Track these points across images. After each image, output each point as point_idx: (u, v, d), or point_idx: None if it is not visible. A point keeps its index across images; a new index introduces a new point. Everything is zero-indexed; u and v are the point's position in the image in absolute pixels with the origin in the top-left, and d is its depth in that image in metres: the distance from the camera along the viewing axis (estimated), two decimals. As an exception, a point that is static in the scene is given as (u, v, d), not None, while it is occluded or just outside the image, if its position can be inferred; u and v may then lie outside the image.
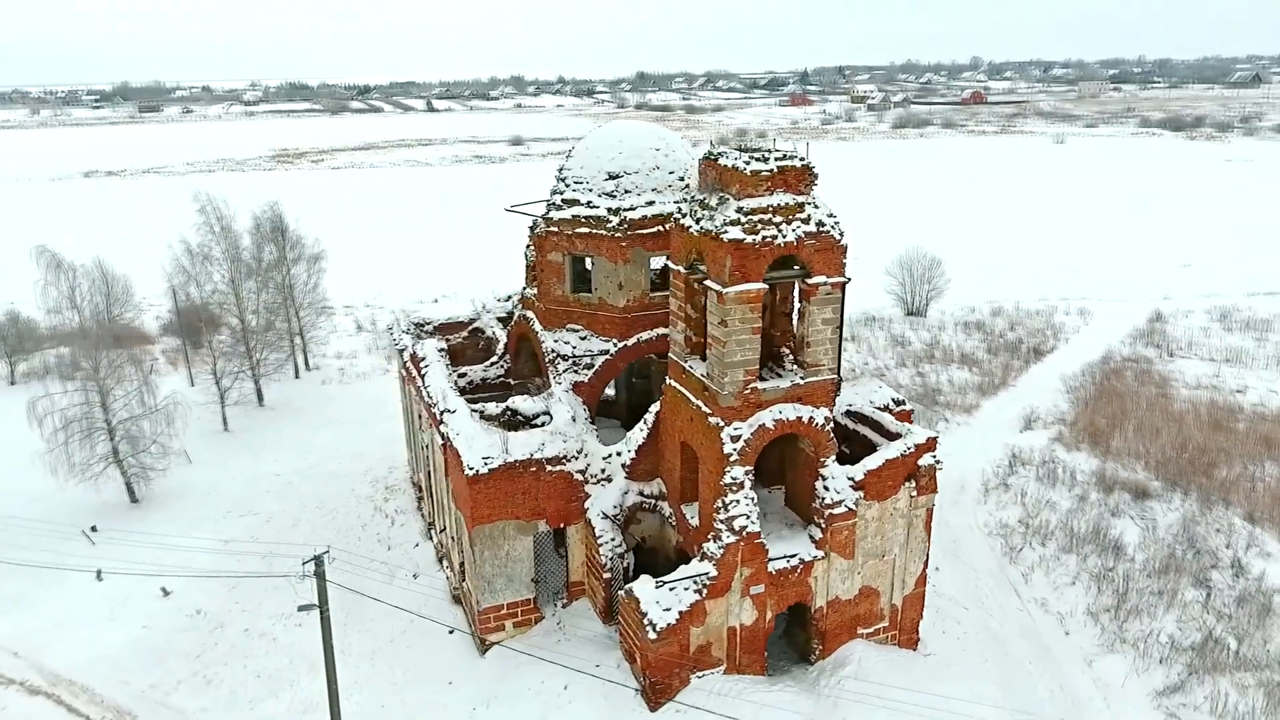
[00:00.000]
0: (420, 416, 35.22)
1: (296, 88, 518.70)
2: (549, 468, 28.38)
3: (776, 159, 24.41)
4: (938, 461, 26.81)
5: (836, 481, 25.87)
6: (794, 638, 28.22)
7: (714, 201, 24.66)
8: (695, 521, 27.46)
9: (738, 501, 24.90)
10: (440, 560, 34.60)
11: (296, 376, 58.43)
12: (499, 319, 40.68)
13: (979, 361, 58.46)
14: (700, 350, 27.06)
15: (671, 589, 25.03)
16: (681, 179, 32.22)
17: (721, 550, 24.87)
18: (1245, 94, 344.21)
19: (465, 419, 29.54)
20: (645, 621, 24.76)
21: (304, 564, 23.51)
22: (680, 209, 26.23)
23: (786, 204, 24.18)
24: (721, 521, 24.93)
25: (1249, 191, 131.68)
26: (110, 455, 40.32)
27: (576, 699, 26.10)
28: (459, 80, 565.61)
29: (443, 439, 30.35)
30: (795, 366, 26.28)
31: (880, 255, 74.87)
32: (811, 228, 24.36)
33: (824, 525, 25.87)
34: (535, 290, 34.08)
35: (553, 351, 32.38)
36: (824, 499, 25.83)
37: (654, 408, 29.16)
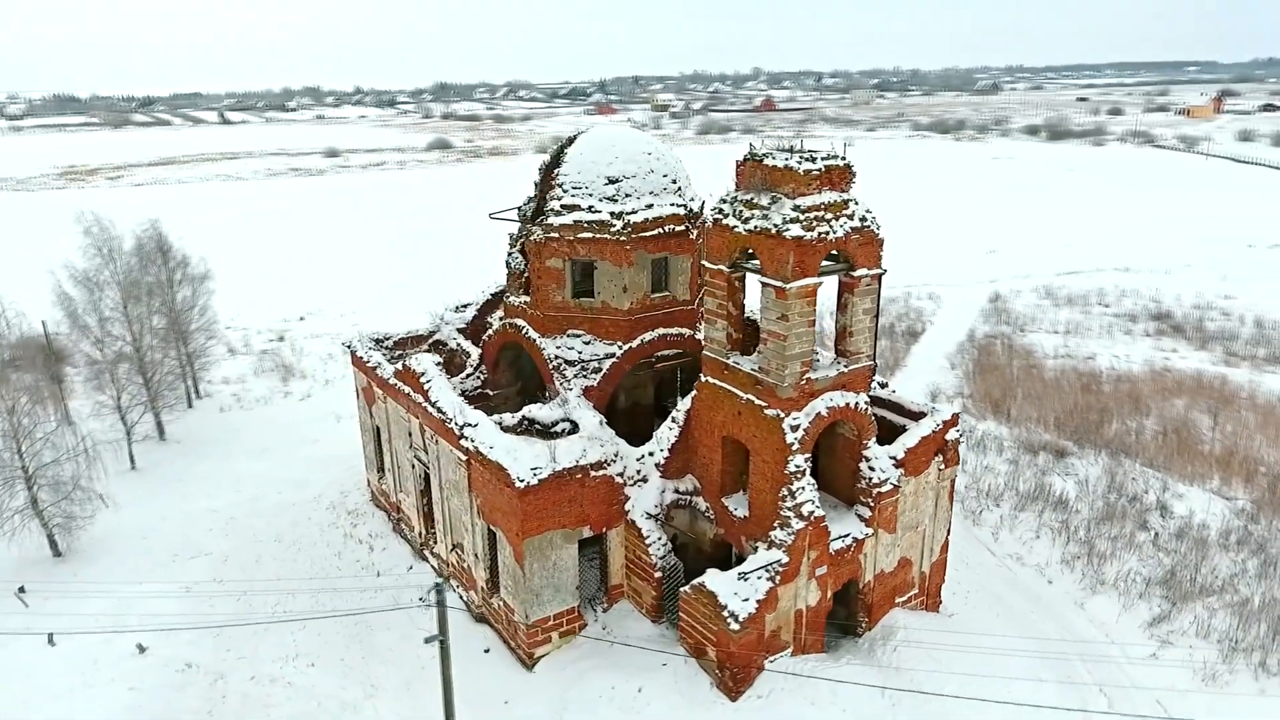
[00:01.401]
0: (411, 434, 33.11)
1: (65, 100, 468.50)
2: (592, 473, 27.54)
3: (823, 159, 24.88)
4: (960, 436, 28.25)
5: (880, 461, 26.74)
6: (833, 614, 28.80)
7: (765, 201, 24.79)
8: (741, 513, 27.51)
9: (803, 488, 25.21)
10: (447, 580, 32.69)
11: (190, 406, 53.25)
12: (459, 330, 38.94)
13: (866, 346, 61.60)
14: (738, 345, 27.16)
15: (745, 579, 24.99)
16: (674, 181, 32.17)
17: (792, 536, 25.08)
18: (990, 100, 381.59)
19: (494, 431, 28.15)
20: (725, 614, 24.60)
21: (425, 593, 21.59)
22: (720, 209, 26.15)
23: (835, 201, 24.73)
24: (789, 509, 25.14)
25: (1019, 184, 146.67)
26: (29, 505, 35.29)
27: (653, 699, 25.52)
28: (250, 91, 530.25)
29: (465, 454, 28.75)
30: (836, 355, 26.88)
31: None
32: (856, 223, 25.01)
33: (873, 504, 26.66)
34: (528, 298, 32.95)
35: (557, 358, 31.43)
36: (870, 479, 26.61)
37: (683, 405, 28.92)
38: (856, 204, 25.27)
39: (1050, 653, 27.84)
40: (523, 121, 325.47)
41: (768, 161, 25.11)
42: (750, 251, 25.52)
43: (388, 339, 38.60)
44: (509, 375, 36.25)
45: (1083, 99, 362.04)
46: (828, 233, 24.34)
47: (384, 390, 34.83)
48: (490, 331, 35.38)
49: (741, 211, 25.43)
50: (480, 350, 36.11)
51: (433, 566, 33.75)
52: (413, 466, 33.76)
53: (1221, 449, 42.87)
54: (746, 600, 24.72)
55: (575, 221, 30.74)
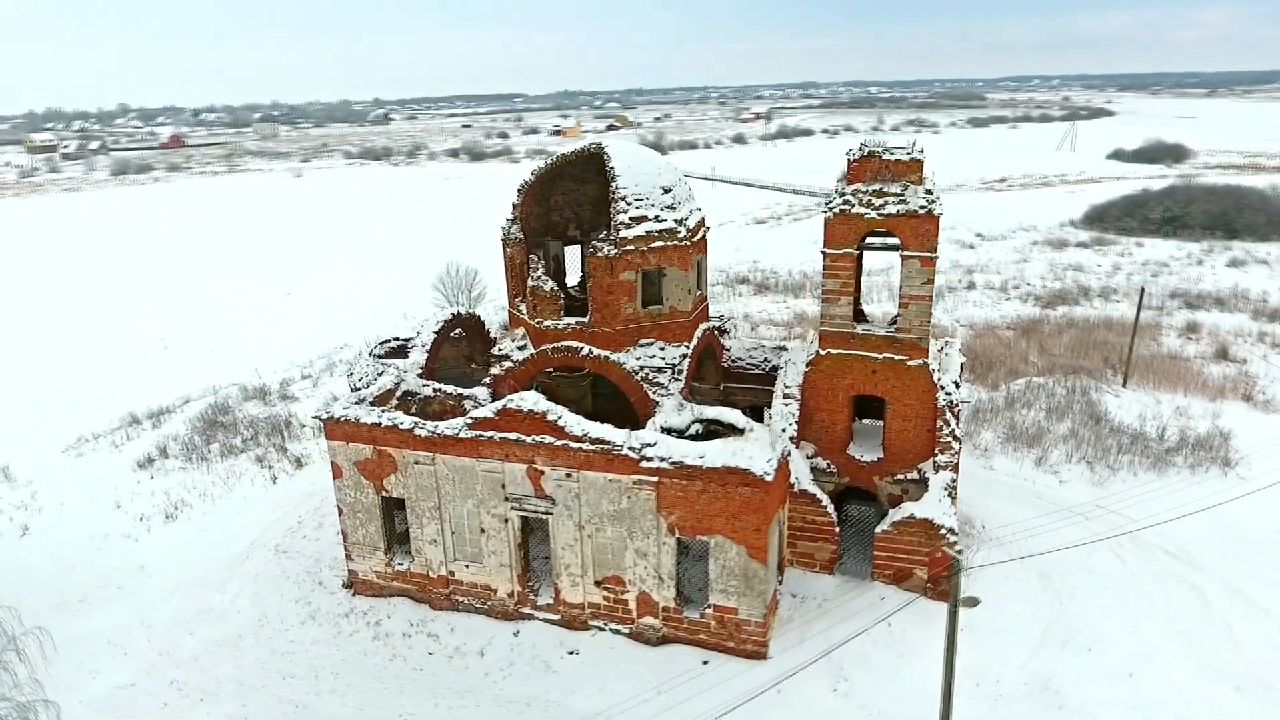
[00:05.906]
0: (506, 485, 27.92)
1: None
2: (781, 455, 27.57)
3: (918, 153, 28.68)
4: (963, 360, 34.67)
5: (949, 386, 31.77)
6: (907, 524, 33.07)
7: (897, 189, 27.79)
8: (871, 457, 30.25)
9: (951, 417, 29.14)
10: (584, 625, 28.69)
11: None
12: (418, 375, 33.10)
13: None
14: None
15: (942, 501, 28.18)
16: (690, 189, 32.47)
17: (955, 457, 28.91)
18: (393, 129, 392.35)
19: (682, 443, 26.29)
20: (944, 532, 27.60)
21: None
22: (846, 200, 28.20)
23: (932, 185, 28.88)
24: (949, 435, 28.88)
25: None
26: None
27: (905, 627, 27.25)
28: None
29: (655, 474, 26.18)
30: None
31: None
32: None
33: (956, 421, 31.62)
34: (583, 318, 30.37)
35: (645, 368, 29.92)
36: (952, 400, 31.48)
37: (793, 380, 30.22)
38: (929, 186, 29.75)
39: (1023, 501, 36.13)
40: None
41: (886, 156, 28.07)
42: (875, 233, 28.31)
43: (364, 399, 30.89)
44: (523, 407, 32.36)
45: (467, 125, 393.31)
46: (941, 210, 28.47)
47: (436, 450, 28.46)
48: (513, 364, 31.24)
49: (871, 200, 28.01)
50: (491, 386, 31.64)
51: (547, 620, 29.14)
52: (505, 521, 28.54)
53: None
54: (951, 518, 27.99)
55: (647, 232, 29.49)
